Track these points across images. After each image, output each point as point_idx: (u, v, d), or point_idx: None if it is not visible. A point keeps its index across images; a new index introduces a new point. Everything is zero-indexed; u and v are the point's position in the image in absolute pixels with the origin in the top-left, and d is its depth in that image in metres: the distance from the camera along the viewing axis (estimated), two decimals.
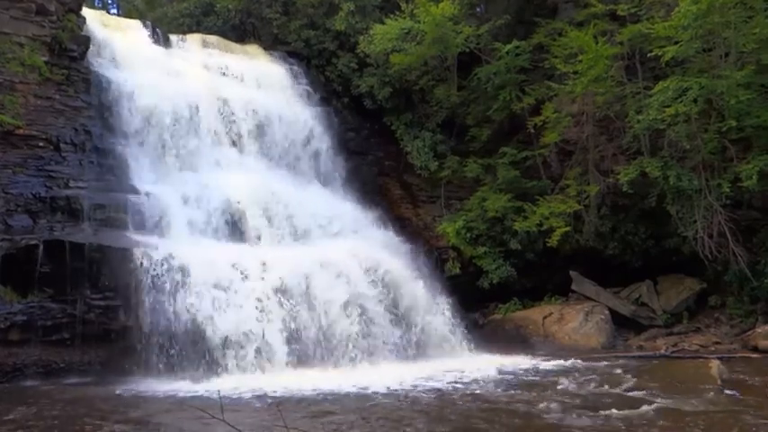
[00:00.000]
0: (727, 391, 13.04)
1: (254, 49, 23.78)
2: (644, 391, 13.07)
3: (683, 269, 20.75)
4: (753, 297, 19.35)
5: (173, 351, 15.49)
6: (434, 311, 18.79)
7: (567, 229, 20.12)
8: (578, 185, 20.55)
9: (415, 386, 14.11)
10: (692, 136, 18.37)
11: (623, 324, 20.48)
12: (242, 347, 15.74)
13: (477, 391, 13.68)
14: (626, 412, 11.44)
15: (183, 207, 18.03)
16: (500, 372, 15.74)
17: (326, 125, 22.49)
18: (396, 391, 13.77)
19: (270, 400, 12.96)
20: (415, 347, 17.75)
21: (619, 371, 15.52)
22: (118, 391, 14.03)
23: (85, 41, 18.26)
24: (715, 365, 14.44)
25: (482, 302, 22.26)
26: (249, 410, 12.24)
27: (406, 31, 22.28)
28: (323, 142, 22.19)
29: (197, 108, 19.73)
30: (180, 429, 11.31)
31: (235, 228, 18.29)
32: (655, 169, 18.73)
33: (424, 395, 13.40)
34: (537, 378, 15.12)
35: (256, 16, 24.88)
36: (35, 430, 11.09)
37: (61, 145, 16.91)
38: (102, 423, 11.53)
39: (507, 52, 21.81)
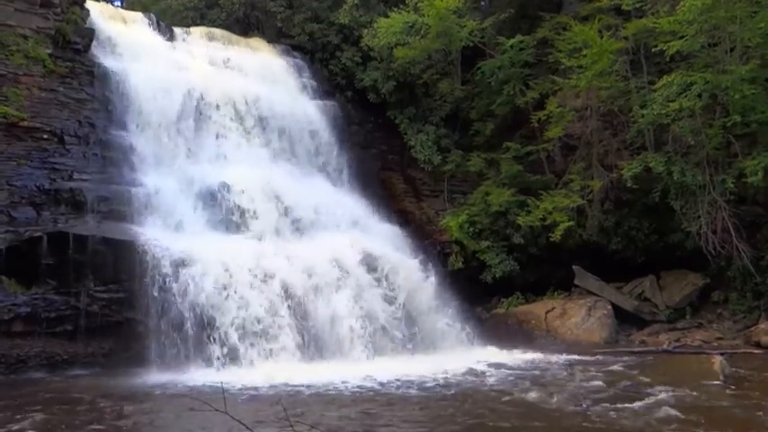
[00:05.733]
0: (730, 387, 13.04)
1: (258, 42, 23.75)
2: (646, 387, 13.07)
3: (687, 264, 20.70)
4: (756, 293, 19.31)
5: (176, 344, 15.53)
6: (436, 305, 18.80)
7: (571, 223, 20.08)
8: (582, 180, 20.51)
9: (416, 380, 14.11)
10: (697, 131, 18.32)
11: (626, 319, 20.46)
12: (245, 341, 15.78)
13: (478, 386, 13.70)
14: (628, 407, 11.45)
15: (187, 199, 18.05)
16: (502, 366, 15.76)
17: (330, 119, 22.46)
18: (395, 385, 13.79)
19: (272, 394, 12.99)
20: (416, 341, 17.75)
21: (621, 366, 15.53)
22: (121, 384, 14.07)
23: (89, 34, 18.27)
24: (717, 361, 14.42)
25: (485, 297, 22.25)
26: (252, 403, 12.28)
27: (409, 24, 22.24)
28: (326, 136, 22.16)
29: (201, 101, 19.75)
30: (183, 422, 11.33)
31: (238, 220, 18.29)
32: (659, 164, 18.70)
33: (424, 390, 13.42)
34: (539, 373, 15.12)
35: (260, 9, 24.85)
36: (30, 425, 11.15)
37: (65, 137, 16.91)
38: (102, 416, 11.58)
39: (511, 46, 21.79)
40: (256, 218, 18.43)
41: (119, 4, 30.70)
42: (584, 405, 11.73)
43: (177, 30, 22.27)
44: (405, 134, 23.53)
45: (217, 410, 6.16)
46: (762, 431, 10.32)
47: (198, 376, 14.49)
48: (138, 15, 22.02)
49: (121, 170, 17.73)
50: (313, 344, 16.45)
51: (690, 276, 20.77)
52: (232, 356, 15.58)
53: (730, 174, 18.18)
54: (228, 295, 16.08)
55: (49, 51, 16.82)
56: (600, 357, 16.79)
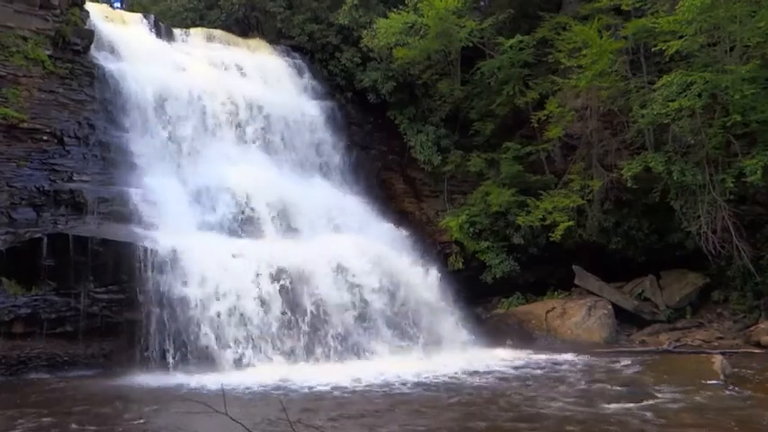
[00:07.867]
0: (730, 387, 13.04)
1: (257, 43, 23.76)
2: (646, 387, 13.07)
3: (687, 264, 20.70)
4: (756, 292, 19.31)
5: (176, 345, 15.56)
6: (437, 306, 18.80)
7: (571, 223, 20.09)
8: (582, 180, 20.50)
9: (416, 381, 14.12)
10: (697, 131, 18.32)
11: (626, 319, 20.47)
12: (246, 342, 15.79)
13: (478, 386, 13.70)
14: (627, 407, 11.46)
15: (187, 201, 18.07)
16: (502, 366, 15.76)
17: (330, 119, 22.49)
18: (398, 385, 13.79)
19: (274, 395, 13.00)
20: (417, 342, 17.75)
21: (621, 366, 15.53)
22: (121, 385, 14.10)
23: (89, 35, 18.26)
24: (718, 361, 14.42)
25: (485, 297, 22.26)
26: (253, 404, 12.29)
27: (409, 25, 22.23)
28: (326, 136, 22.20)
29: (201, 102, 19.77)
30: (182, 424, 11.33)
31: (238, 222, 18.31)
32: (659, 164, 18.69)
33: (424, 390, 13.42)
34: (539, 372, 15.13)
35: (260, 10, 24.85)
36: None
37: (65, 138, 16.93)
38: (103, 417, 11.59)
39: (511, 46, 21.78)
40: (256, 219, 18.45)
41: (118, 5, 30.75)
42: (583, 405, 11.74)
43: (177, 31, 22.30)
44: (405, 134, 23.52)
45: (217, 412, 6.17)
46: (762, 431, 10.31)
47: (199, 377, 14.47)
48: (138, 16, 22.04)
49: (121, 171, 17.74)
50: (316, 345, 16.45)
51: (690, 276, 20.77)
52: (233, 358, 15.58)
53: (730, 173, 18.16)
54: (227, 297, 16.09)
55: (48, 53, 16.82)
56: (600, 357, 16.79)
